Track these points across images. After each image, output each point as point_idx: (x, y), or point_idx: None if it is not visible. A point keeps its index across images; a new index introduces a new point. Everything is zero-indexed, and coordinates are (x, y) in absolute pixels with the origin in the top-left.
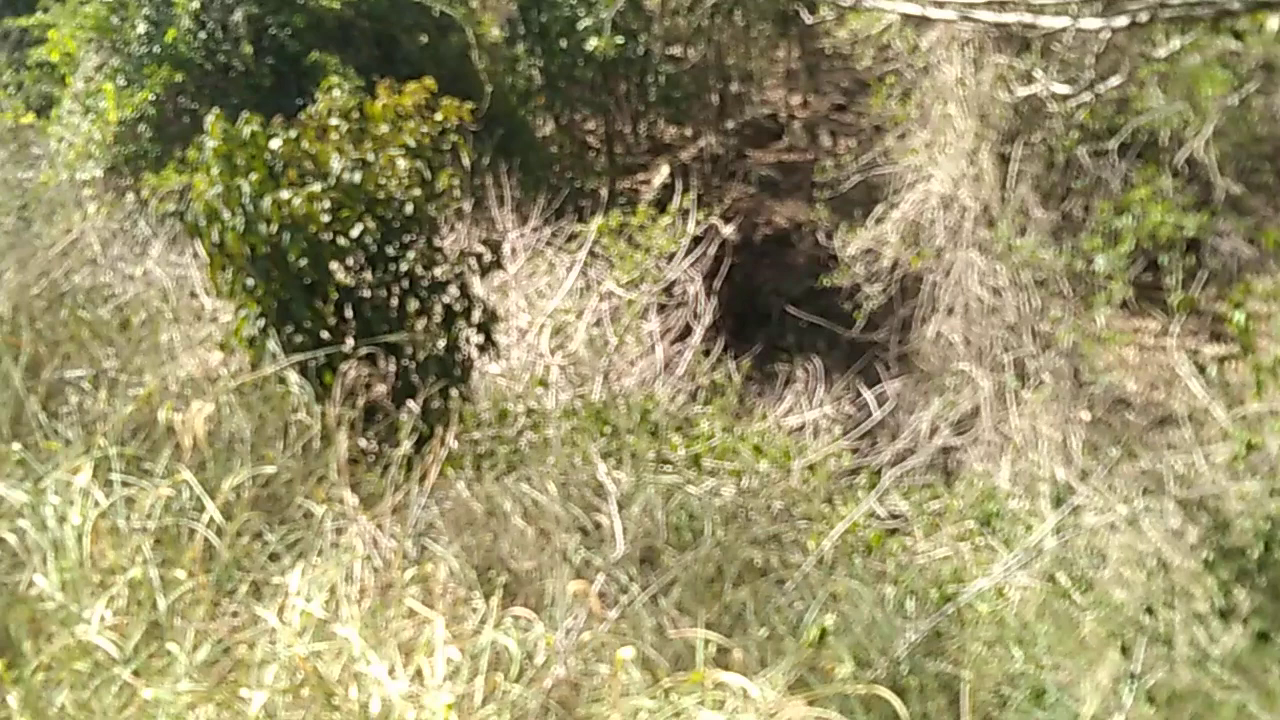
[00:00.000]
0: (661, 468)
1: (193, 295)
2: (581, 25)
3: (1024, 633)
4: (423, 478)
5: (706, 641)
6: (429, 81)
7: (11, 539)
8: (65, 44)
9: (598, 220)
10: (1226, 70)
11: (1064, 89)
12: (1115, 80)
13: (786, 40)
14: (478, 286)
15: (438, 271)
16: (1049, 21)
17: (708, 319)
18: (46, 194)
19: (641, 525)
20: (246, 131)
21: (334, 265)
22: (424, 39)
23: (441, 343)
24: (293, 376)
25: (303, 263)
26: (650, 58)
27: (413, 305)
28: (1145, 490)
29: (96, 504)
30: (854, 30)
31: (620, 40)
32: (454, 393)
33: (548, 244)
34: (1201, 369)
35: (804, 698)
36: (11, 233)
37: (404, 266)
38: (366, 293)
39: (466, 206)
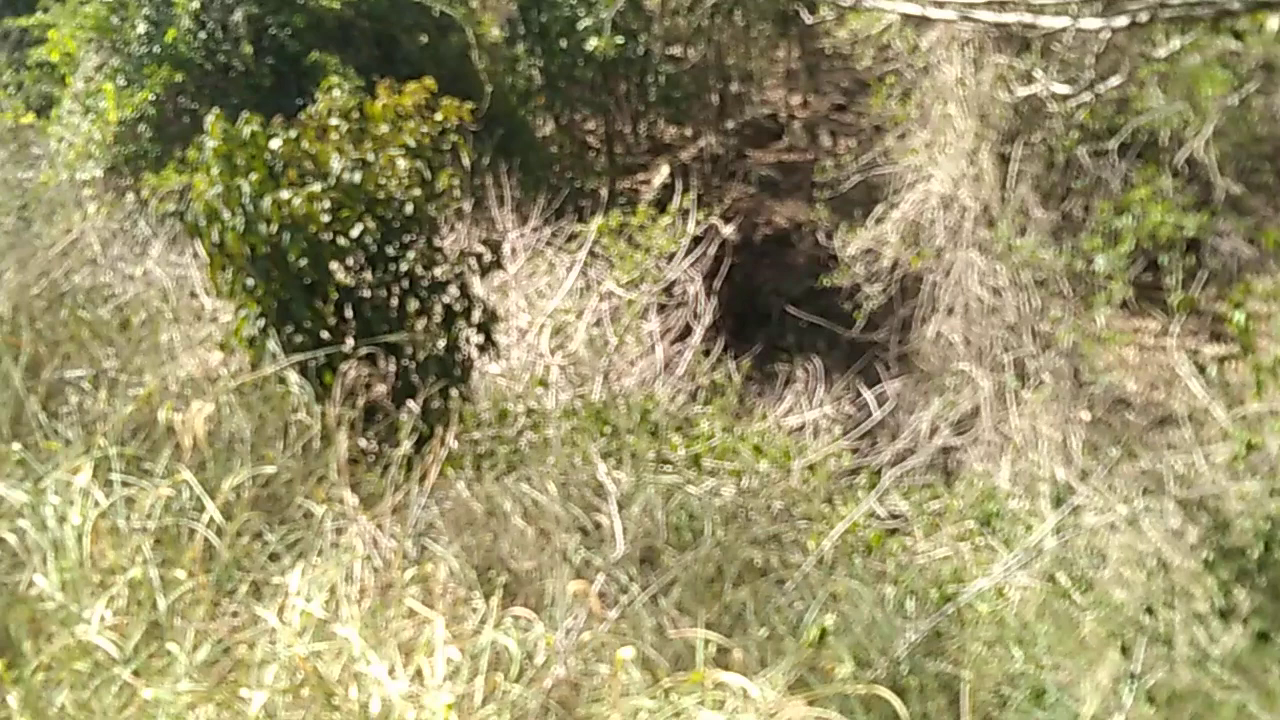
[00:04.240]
0: (661, 468)
1: (193, 295)
2: (581, 25)
3: (1024, 633)
4: (423, 478)
5: (706, 641)
6: (429, 81)
7: (11, 539)
8: (65, 44)
9: (598, 220)
10: (1226, 70)
11: (1064, 89)
12: (1115, 80)
13: (786, 40)
14: (478, 286)
15: (438, 271)
16: (1049, 21)
17: (708, 319)
18: (46, 194)
19: (641, 525)
20: (246, 131)
21: (334, 265)
22: (424, 39)
23: (441, 343)
24: (293, 376)
25: (303, 263)
26: (650, 58)
27: (413, 305)
28: (1145, 490)
29: (96, 504)
30: (854, 30)
31: (620, 40)
32: (454, 393)
33: (548, 244)
34: (1201, 369)
35: (804, 698)
36: (11, 233)
37: (404, 266)
38: (366, 293)
39: (466, 206)
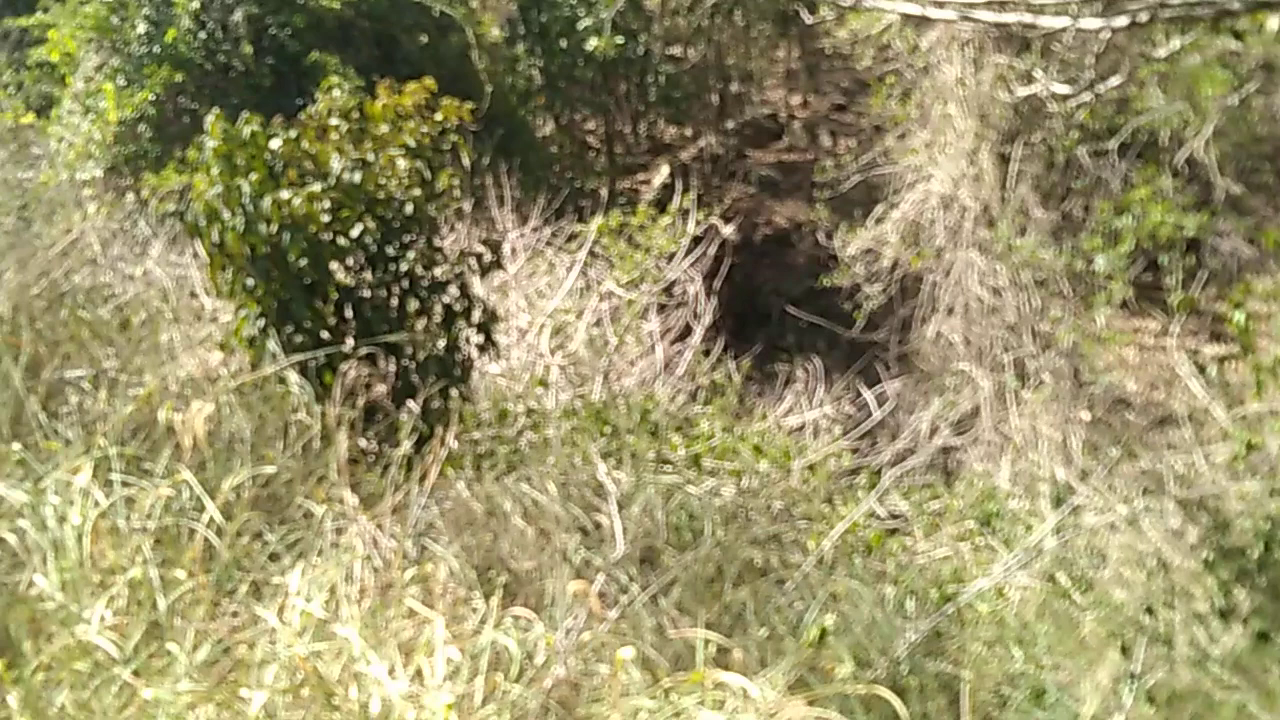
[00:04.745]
0: (661, 468)
1: (193, 295)
2: (581, 25)
3: (1024, 633)
4: (423, 478)
5: (706, 641)
6: (429, 81)
7: (11, 539)
8: (65, 44)
9: (598, 220)
10: (1226, 70)
11: (1064, 89)
12: (1115, 80)
13: (786, 40)
14: (478, 286)
15: (438, 271)
16: (1049, 21)
17: (708, 319)
18: (46, 194)
19: (641, 525)
20: (246, 131)
21: (334, 265)
22: (424, 39)
23: (441, 343)
24: (293, 376)
25: (303, 263)
26: (650, 58)
27: (413, 305)
28: (1145, 490)
29: (96, 504)
30: (854, 30)
31: (620, 40)
32: (454, 393)
33: (548, 244)
34: (1201, 369)
35: (804, 698)
36: (11, 233)
37: (404, 266)
38: (366, 293)
39: (466, 206)
